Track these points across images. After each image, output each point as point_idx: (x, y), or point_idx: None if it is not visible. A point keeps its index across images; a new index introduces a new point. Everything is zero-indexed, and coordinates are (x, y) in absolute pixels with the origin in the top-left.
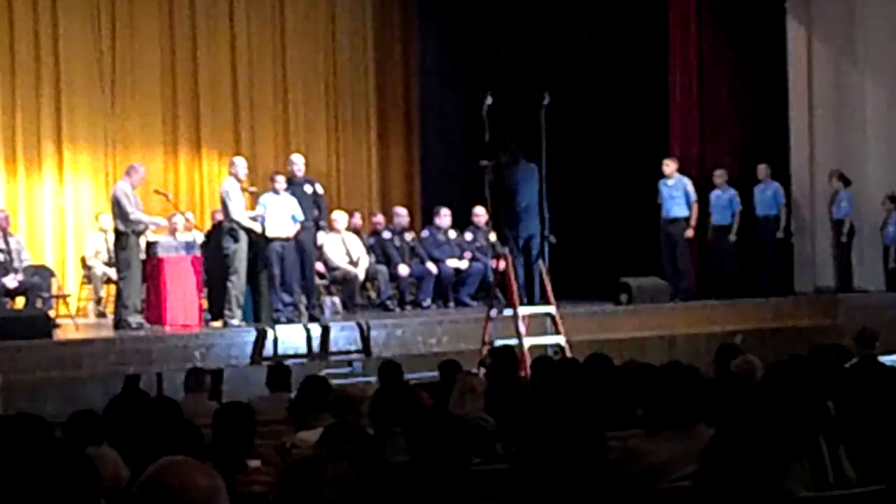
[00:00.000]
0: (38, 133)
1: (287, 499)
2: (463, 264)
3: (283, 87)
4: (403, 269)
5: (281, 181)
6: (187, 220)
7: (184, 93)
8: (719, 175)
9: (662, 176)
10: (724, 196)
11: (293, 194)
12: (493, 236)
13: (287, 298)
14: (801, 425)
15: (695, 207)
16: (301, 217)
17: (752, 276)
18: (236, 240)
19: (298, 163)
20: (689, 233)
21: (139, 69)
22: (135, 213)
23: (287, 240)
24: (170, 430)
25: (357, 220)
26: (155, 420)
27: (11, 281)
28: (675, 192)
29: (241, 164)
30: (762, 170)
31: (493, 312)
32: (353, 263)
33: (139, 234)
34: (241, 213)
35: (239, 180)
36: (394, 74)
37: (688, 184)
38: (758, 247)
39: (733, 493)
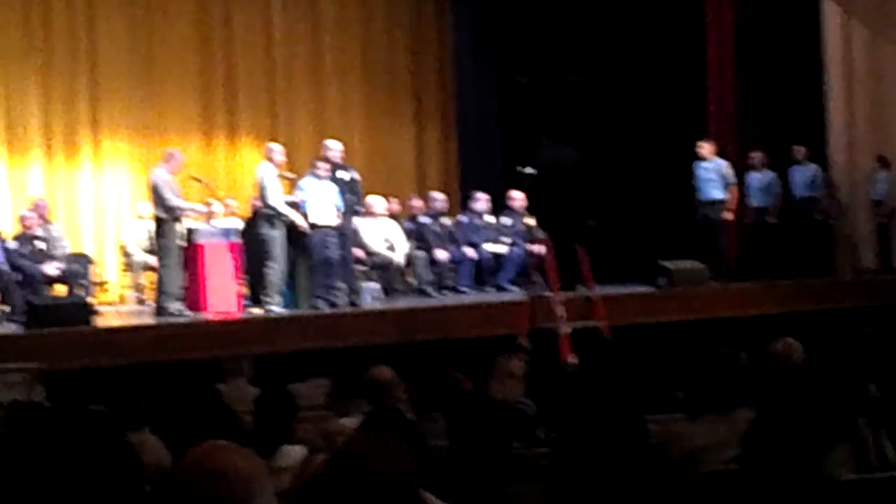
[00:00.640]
0: (76, 121)
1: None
2: (501, 248)
3: (318, 72)
4: (442, 254)
5: (323, 167)
6: (227, 205)
7: (220, 79)
8: (756, 158)
9: (699, 158)
10: (763, 179)
11: (331, 180)
12: (531, 220)
13: (328, 284)
14: (841, 408)
15: (733, 190)
16: (341, 205)
17: (791, 258)
18: (273, 226)
19: (335, 148)
20: (728, 215)
21: (175, 56)
22: (173, 200)
23: (331, 228)
24: (210, 416)
25: (395, 205)
26: (196, 406)
27: (52, 269)
28: (712, 174)
29: (277, 149)
30: (800, 151)
31: (532, 296)
32: (391, 248)
33: (178, 220)
34: (278, 198)
35: (276, 166)
36: (429, 58)
37: (725, 166)
38: (797, 229)
39: (776, 476)
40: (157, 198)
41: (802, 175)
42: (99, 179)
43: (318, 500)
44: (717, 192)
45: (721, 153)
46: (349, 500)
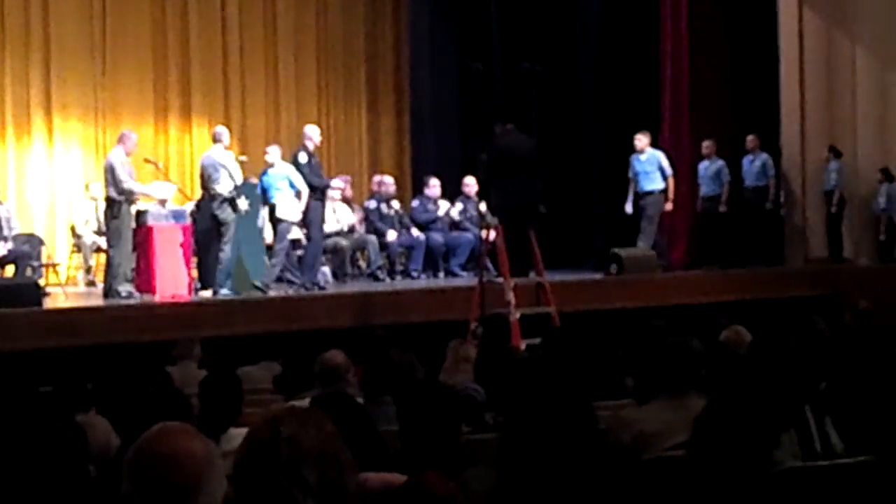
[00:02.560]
0: (28, 101)
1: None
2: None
3: (273, 55)
4: (392, 236)
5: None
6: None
7: (174, 61)
8: (707, 146)
9: (656, 147)
10: (711, 167)
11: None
12: (483, 206)
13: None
14: (787, 395)
15: (671, 181)
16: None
17: (742, 247)
18: (234, 208)
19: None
20: (668, 206)
21: (129, 37)
22: (128, 182)
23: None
24: (159, 398)
25: (348, 189)
26: (145, 388)
27: (1, 246)
28: (649, 166)
29: (225, 133)
30: (751, 140)
31: (483, 282)
32: (344, 233)
33: (131, 202)
34: (240, 177)
35: (227, 149)
36: (384, 43)
37: (662, 158)
38: (747, 218)
39: (725, 462)
40: (112, 178)
41: (752, 164)
42: (50, 160)
43: (242, 477)
44: (652, 184)
45: (675, 142)
46: (268, 474)
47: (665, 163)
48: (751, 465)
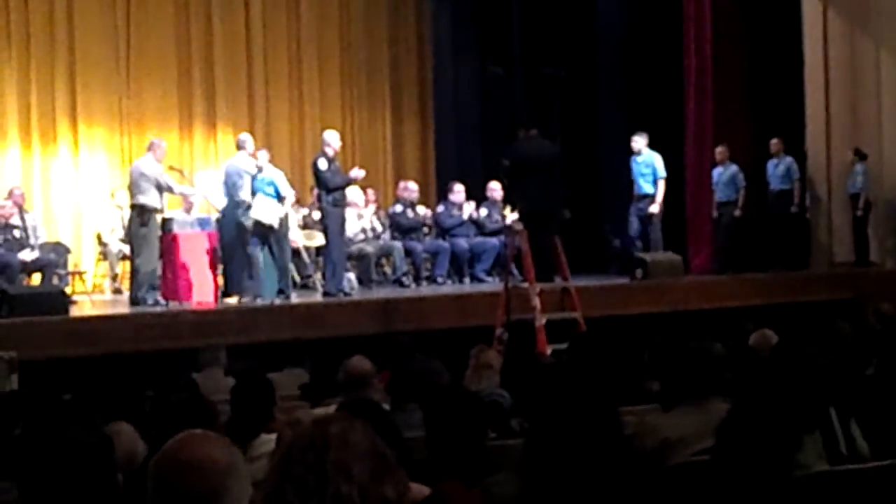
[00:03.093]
0: (54, 110)
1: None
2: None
3: (297, 62)
4: (417, 245)
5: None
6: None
7: (199, 69)
8: (720, 152)
9: (680, 151)
10: (725, 173)
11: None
12: (508, 211)
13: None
14: (811, 399)
15: (661, 184)
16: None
17: (766, 251)
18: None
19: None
20: (655, 208)
21: (154, 45)
22: (177, 186)
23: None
24: (186, 405)
25: (371, 195)
26: (171, 395)
27: (28, 254)
28: (645, 168)
29: (249, 140)
30: (775, 144)
31: (509, 288)
32: (371, 238)
33: (159, 211)
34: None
35: (251, 157)
36: (407, 49)
37: (657, 160)
38: (772, 222)
39: (749, 467)
40: (150, 187)
41: (777, 168)
42: (76, 168)
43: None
44: (650, 187)
45: (699, 146)
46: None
47: (659, 165)
48: (774, 468)
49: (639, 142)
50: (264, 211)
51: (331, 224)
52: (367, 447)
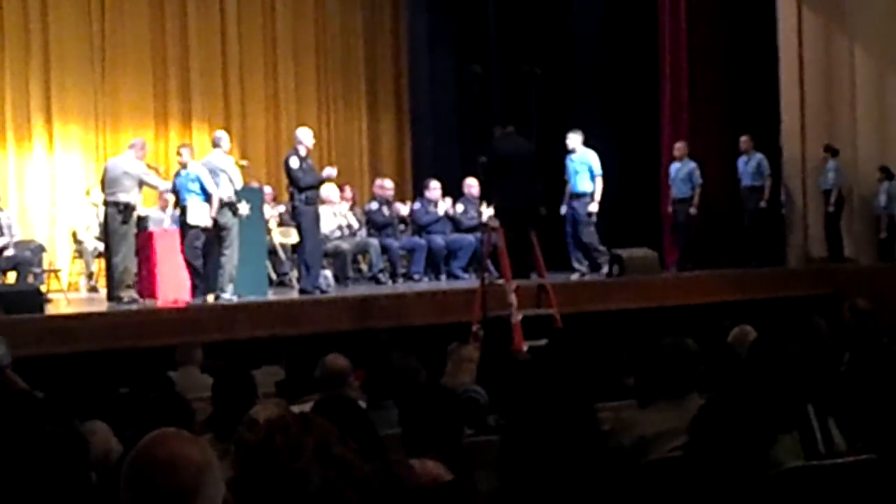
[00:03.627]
0: (28, 108)
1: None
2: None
3: (272, 60)
4: (393, 242)
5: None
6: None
7: (174, 66)
8: (678, 148)
9: (657, 148)
10: (683, 169)
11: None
12: (484, 208)
13: None
14: (789, 395)
15: (599, 181)
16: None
17: (739, 247)
18: (234, 213)
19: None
20: (594, 207)
21: (129, 43)
22: (161, 183)
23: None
24: (162, 403)
25: (347, 192)
26: (148, 394)
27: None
28: (580, 166)
29: (225, 137)
30: (745, 141)
31: (485, 284)
32: (347, 235)
33: (133, 209)
34: (239, 181)
35: (226, 153)
36: (383, 46)
37: (593, 158)
38: (743, 218)
39: (723, 463)
40: (134, 185)
41: (748, 165)
42: (51, 166)
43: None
44: (585, 185)
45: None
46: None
47: (595, 164)
48: (748, 464)
49: (573, 140)
50: (197, 214)
51: (304, 222)
52: (323, 454)
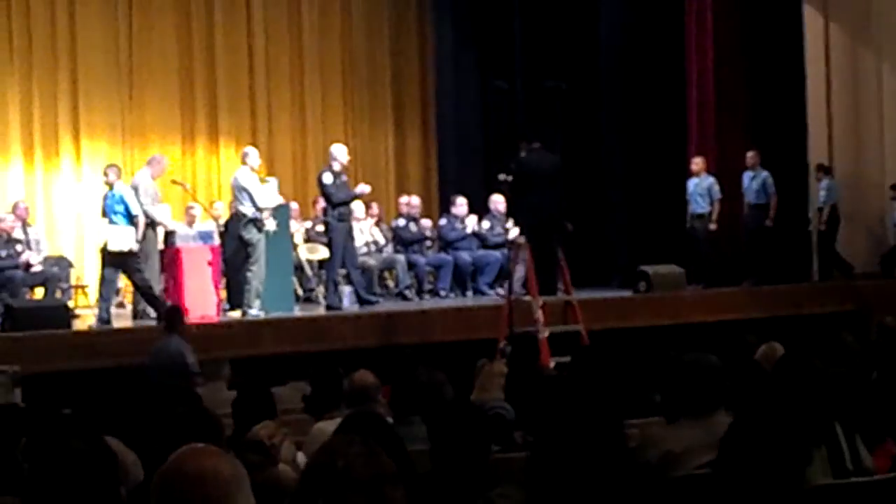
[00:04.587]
0: (56, 124)
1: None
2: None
3: (299, 76)
4: (420, 258)
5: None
6: (214, 208)
7: (201, 83)
8: (696, 163)
9: (683, 164)
10: (701, 184)
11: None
12: (510, 225)
13: None
14: (816, 412)
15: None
16: None
17: (764, 264)
18: (259, 229)
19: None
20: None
21: (156, 59)
22: (147, 207)
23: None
24: (191, 419)
25: (374, 209)
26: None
27: (33, 257)
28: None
29: (253, 153)
30: (751, 157)
31: (511, 301)
32: (373, 252)
33: (154, 225)
34: (264, 199)
35: (253, 170)
36: (409, 63)
37: None
38: (746, 235)
39: (752, 480)
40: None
41: (753, 181)
42: (78, 182)
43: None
44: None
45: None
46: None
47: None
48: (781, 483)
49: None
50: (117, 239)
51: (335, 238)
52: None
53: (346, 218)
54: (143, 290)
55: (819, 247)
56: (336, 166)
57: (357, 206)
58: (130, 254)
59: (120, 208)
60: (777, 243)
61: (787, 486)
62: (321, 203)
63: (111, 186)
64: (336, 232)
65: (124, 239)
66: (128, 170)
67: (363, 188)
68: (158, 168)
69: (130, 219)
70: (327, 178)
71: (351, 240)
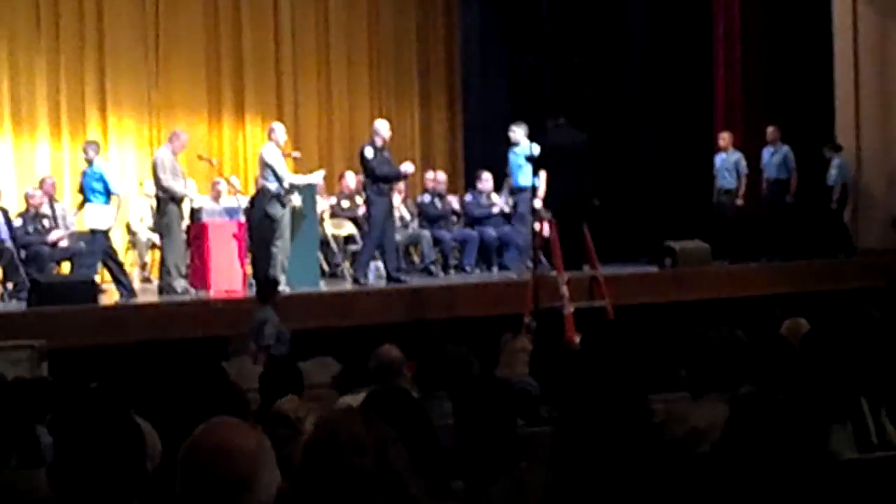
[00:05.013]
0: (83, 99)
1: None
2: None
3: (325, 51)
4: (445, 234)
5: None
6: (232, 185)
7: (227, 58)
8: (723, 138)
9: (710, 140)
10: (729, 159)
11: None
12: (537, 201)
13: None
14: (842, 387)
15: (542, 176)
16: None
17: (784, 240)
18: (283, 205)
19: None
20: (538, 203)
21: (183, 35)
22: (167, 181)
23: None
24: (215, 393)
25: (400, 184)
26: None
27: (56, 233)
28: (522, 160)
29: (280, 129)
30: (771, 132)
31: (537, 276)
32: (399, 227)
33: (178, 200)
34: (289, 175)
35: (279, 146)
36: (436, 38)
37: (537, 151)
38: (766, 211)
39: (763, 454)
40: (155, 177)
41: (774, 157)
42: (106, 158)
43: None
44: (525, 179)
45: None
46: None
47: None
48: (797, 455)
49: (517, 132)
50: (93, 217)
51: (375, 213)
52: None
53: (385, 193)
54: (111, 267)
55: (831, 224)
56: (378, 141)
57: None
58: (105, 232)
59: (98, 186)
60: (799, 220)
61: (805, 460)
62: (354, 178)
63: (90, 163)
64: (376, 207)
65: (101, 217)
66: (154, 146)
67: (408, 167)
68: (178, 143)
69: (108, 196)
70: (369, 153)
71: (391, 216)
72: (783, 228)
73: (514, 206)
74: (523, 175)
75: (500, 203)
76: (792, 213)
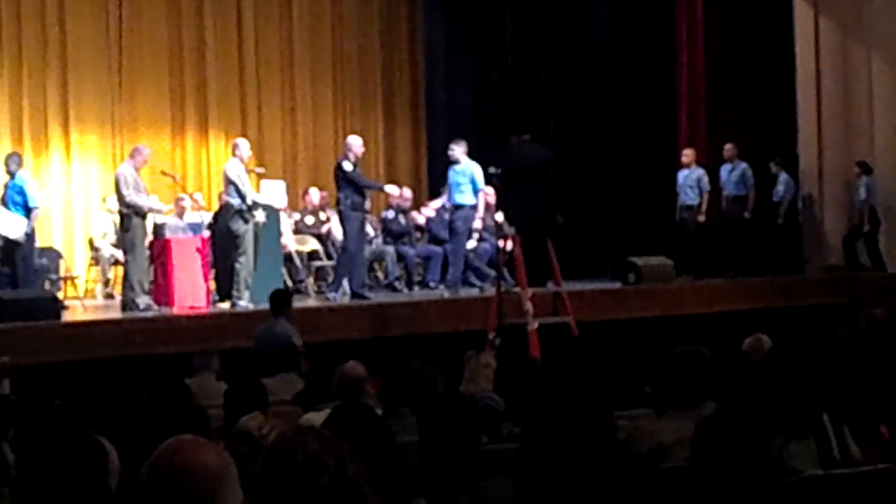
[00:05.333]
0: (45, 115)
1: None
2: (472, 244)
3: (289, 67)
4: (409, 250)
5: None
6: (195, 200)
7: (191, 74)
8: (686, 155)
9: (674, 157)
10: (691, 175)
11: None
12: (500, 216)
13: None
14: (804, 403)
15: (482, 195)
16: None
17: (743, 256)
18: (246, 220)
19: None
20: (478, 223)
21: (146, 51)
22: (130, 196)
23: None
24: (178, 411)
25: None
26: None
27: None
28: (462, 178)
29: (244, 145)
30: (728, 149)
31: (501, 292)
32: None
33: (142, 215)
34: (252, 192)
35: (243, 162)
36: (400, 54)
37: (476, 171)
38: (724, 227)
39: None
40: (116, 193)
41: (732, 174)
42: (68, 173)
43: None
44: (463, 197)
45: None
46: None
47: (479, 176)
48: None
49: (456, 150)
50: (8, 226)
51: (348, 228)
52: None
53: (359, 208)
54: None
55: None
56: (351, 157)
57: None
58: (17, 243)
59: (18, 198)
60: (755, 235)
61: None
62: (318, 194)
63: (12, 175)
64: (350, 222)
65: (15, 227)
66: (117, 161)
67: (392, 189)
68: (140, 158)
69: (27, 210)
70: (348, 166)
71: (363, 231)
72: (741, 244)
73: (451, 224)
74: (461, 194)
75: (421, 219)
76: (749, 229)
